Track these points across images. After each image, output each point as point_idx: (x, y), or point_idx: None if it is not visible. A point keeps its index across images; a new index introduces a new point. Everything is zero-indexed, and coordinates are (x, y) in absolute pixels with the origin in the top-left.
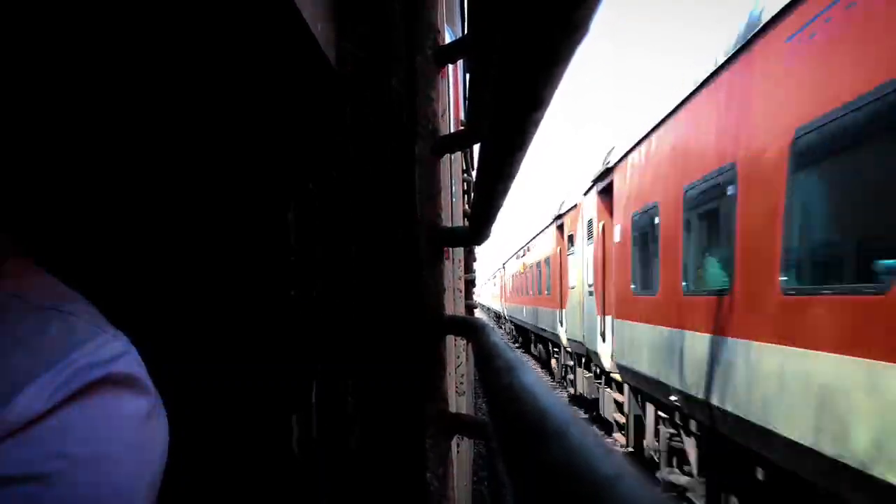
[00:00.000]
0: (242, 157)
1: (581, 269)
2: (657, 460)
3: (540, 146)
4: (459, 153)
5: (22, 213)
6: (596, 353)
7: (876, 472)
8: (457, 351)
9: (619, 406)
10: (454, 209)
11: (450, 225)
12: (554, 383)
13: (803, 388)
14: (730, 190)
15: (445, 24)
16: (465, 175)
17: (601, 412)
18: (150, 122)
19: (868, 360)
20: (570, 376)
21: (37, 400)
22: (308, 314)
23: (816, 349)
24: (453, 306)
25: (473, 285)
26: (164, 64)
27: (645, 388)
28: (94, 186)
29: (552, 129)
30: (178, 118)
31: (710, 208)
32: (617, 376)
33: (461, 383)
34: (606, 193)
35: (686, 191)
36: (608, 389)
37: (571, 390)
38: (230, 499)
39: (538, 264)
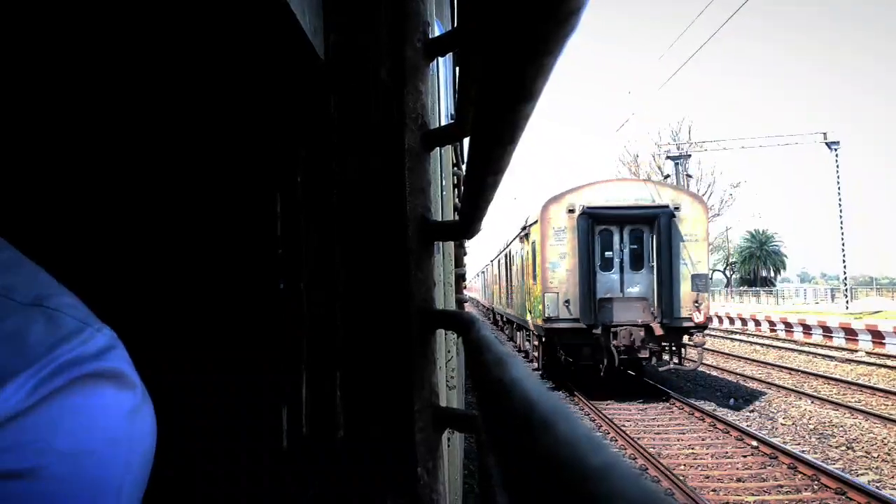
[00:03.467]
0: (229, 149)
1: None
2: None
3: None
4: (449, 146)
5: (7, 205)
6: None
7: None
8: (448, 345)
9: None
10: (444, 203)
11: (440, 219)
12: None
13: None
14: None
15: (435, 17)
16: (456, 169)
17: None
18: (134, 114)
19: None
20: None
21: (20, 395)
22: (296, 308)
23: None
24: (444, 301)
25: (464, 279)
26: (149, 55)
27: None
28: (80, 179)
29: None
30: (163, 110)
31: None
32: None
33: (452, 377)
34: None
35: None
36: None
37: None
38: (219, 493)
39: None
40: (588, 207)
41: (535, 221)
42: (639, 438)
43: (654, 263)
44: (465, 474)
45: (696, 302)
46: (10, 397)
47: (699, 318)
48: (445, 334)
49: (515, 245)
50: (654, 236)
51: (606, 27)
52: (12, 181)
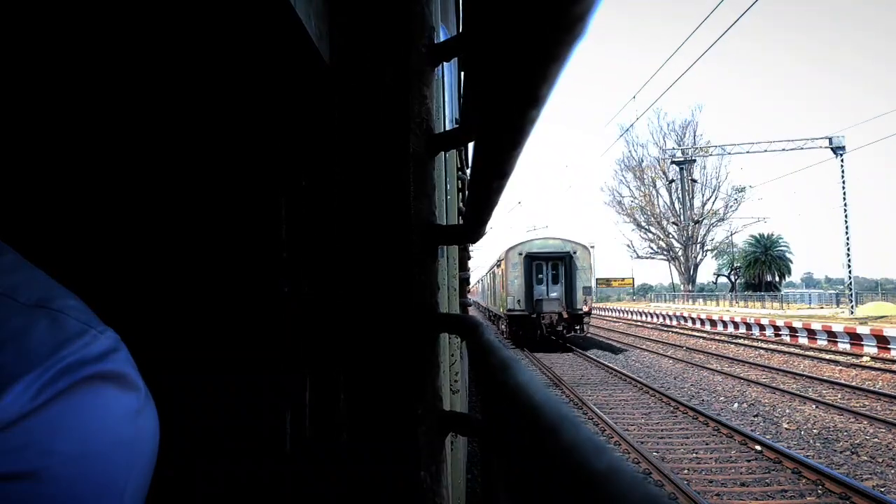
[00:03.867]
0: (235, 153)
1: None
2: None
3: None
4: (454, 150)
5: (9, 208)
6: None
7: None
8: (451, 349)
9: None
10: (448, 207)
11: (444, 223)
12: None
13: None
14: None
15: (440, 23)
16: (460, 173)
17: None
18: (142, 119)
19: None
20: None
21: (24, 398)
22: (300, 311)
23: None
24: (448, 304)
25: (468, 283)
26: (156, 61)
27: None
28: (84, 182)
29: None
30: (170, 115)
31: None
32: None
33: (455, 381)
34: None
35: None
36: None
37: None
38: (221, 494)
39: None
40: (528, 252)
41: (503, 258)
42: (643, 442)
43: (563, 281)
44: (468, 478)
45: (585, 301)
46: (15, 400)
47: (586, 308)
48: (449, 338)
49: (495, 268)
50: (563, 267)
51: (611, 29)
52: (14, 184)
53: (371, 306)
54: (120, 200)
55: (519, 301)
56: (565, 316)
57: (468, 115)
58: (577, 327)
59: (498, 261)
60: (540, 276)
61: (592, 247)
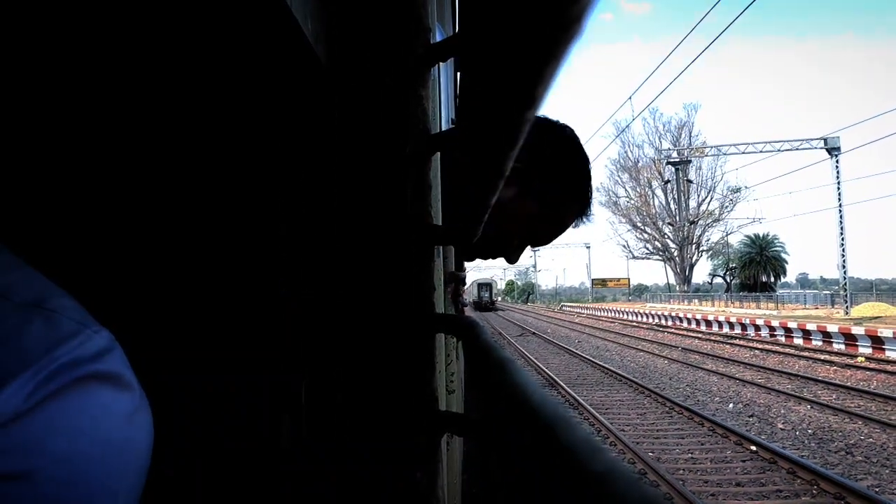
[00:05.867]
0: (235, 154)
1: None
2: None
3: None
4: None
5: (4, 207)
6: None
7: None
8: (447, 349)
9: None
10: (445, 207)
11: (441, 223)
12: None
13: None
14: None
15: (436, 23)
16: None
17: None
18: (140, 119)
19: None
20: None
21: (17, 398)
22: (299, 311)
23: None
24: (444, 305)
25: (464, 284)
26: (155, 61)
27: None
28: (79, 182)
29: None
30: (167, 115)
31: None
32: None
33: (452, 381)
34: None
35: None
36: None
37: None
38: (218, 494)
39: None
40: (478, 282)
41: (471, 283)
42: (638, 443)
43: (489, 292)
44: (464, 479)
45: (496, 296)
46: (8, 400)
47: (497, 300)
48: (445, 338)
49: (472, 286)
50: (489, 286)
51: (609, 30)
52: (9, 183)
53: (369, 306)
54: (118, 200)
55: (475, 297)
56: (490, 301)
57: (464, 115)
58: (493, 305)
59: (471, 283)
60: (482, 289)
61: (499, 279)
